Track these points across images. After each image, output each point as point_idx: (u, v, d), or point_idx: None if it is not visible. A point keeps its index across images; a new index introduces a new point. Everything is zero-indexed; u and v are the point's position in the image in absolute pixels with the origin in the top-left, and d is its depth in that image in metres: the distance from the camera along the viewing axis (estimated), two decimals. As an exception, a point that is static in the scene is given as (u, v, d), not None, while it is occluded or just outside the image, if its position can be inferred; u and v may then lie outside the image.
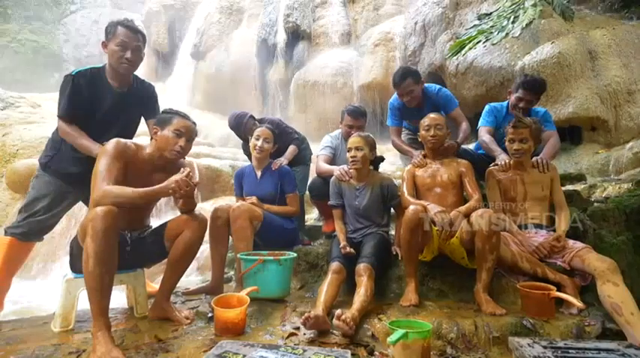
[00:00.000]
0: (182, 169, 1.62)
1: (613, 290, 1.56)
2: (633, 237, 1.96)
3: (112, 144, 1.62)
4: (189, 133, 1.76)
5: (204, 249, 2.57)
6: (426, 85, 2.67)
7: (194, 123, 1.83)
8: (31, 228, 1.91)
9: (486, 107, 2.77)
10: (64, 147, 1.96)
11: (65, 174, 1.94)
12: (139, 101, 2.09)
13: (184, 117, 1.80)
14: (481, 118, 2.72)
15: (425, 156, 2.32)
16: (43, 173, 1.98)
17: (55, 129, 2.01)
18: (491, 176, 2.21)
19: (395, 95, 2.77)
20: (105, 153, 1.59)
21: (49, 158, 1.97)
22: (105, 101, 1.96)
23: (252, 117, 2.87)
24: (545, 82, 2.71)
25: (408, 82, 2.52)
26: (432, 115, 2.26)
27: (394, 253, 2.15)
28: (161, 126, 1.74)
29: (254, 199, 2.34)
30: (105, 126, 1.94)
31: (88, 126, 1.91)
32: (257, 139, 2.44)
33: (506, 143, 2.15)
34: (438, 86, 2.74)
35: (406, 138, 2.92)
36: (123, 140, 1.67)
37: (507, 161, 2.18)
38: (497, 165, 2.24)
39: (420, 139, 2.35)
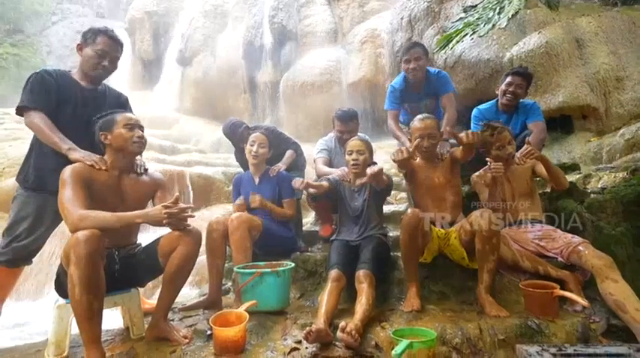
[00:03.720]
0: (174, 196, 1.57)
1: (613, 287, 1.55)
2: (632, 227, 1.95)
3: (67, 171, 1.58)
4: (138, 122, 1.77)
5: (200, 260, 2.54)
6: (427, 67, 2.78)
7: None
8: (16, 254, 1.84)
9: (474, 112, 2.80)
10: (35, 153, 1.89)
11: (42, 183, 1.85)
12: (112, 104, 2.01)
13: (124, 110, 1.82)
14: (473, 125, 2.75)
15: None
16: (22, 191, 1.90)
17: (29, 145, 1.94)
18: (477, 181, 2.24)
19: (396, 79, 2.88)
20: (64, 182, 1.55)
21: (25, 172, 1.90)
22: (73, 96, 1.90)
23: (247, 127, 2.81)
24: (532, 72, 2.82)
25: (418, 49, 2.70)
26: (423, 123, 2.11)
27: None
28: (108, 129, 1.71)
29: (257, 200, 2.29)
30: (80, 126, 1.87)
31: (62, 126, 1.84)
32: (252, 145, 2.41)
33: (495, 151, 2.16)
34: (437, 69, 2.88)
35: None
36: (77, 163, 1.64)
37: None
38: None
39: None
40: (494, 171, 1.99)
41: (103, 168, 1.68)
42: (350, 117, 2.70)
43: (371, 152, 2.25)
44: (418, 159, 2.22)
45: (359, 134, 2.73)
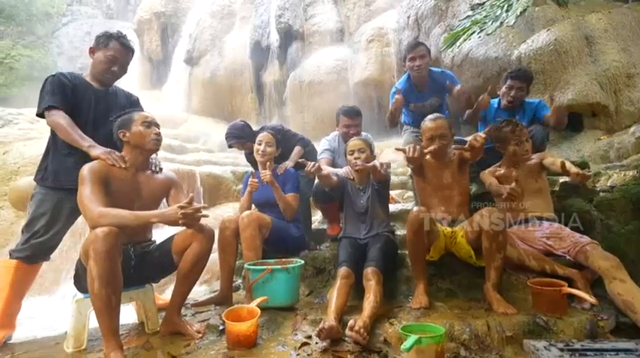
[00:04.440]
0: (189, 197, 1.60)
1: (621, 288, 1.56)
2: (641, 225, 1.94)
3: (85, 169, 1.64)
4: (154, 120, 1.83)
5: (210, 257, 2.58)
6: (430, 67, 2.79)
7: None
8: (35, 251, 1.90)
9: None
10: (52, 152, 1.96)
11: (59, 181, 1.92)
12: (123, 104, 2.07)
13: (141, 109, 1.90)
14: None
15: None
16: (39, 189, 1.96)
17: (46, 144, 2.01)
18: (487, 177, 2.23)
19: (400, 80, 2.90)
20: (83, 180, 1.60)
21: (43, 171, 1.96)
22: (87, 97, 1.98)
23: (237, 142, 2.82)
24: (531, 72, 2.86)
25: (422, 47, 2.73)
26: (433, 123, 2.12)
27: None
28: (126, 127, 1.77)
29: (268, 175, 2.28)
30: (93, 126, 1.95)
31: (79, 125, 1.91)
32: (259, 144, 2.45)
33: (512, 147, 2.17)
34: (441, 69, 2.92)
35: (412, 136, 2.93)
36: (95, 161, 1.70)
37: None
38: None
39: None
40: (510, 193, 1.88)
41: (124, 166, 1.74)
42: (356, 112, 2.75)
43: (372, 149, 2.27)
44: (428, 157, 2.23)
45: (361, 133, 2.76)
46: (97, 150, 1.78)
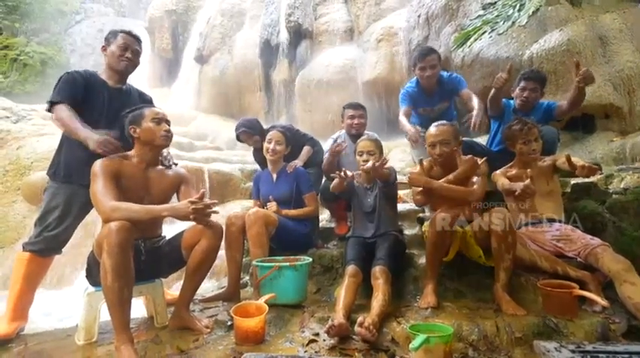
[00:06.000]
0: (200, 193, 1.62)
1: (632, 291, 1.54)
2: (655, 228, 1.91)
3: (97, 165, 1.67)
4: (165, 116, 1.85)
5: (220, 253, 2.60)
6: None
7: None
8: (48, 244, 1.93)
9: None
10: (64, 148, 1.99)
11: (71, 175, 1.95)
12: (137, 102, 2.11)
13: (152, 105, 1.93)
14: (492, 121, 2.75)
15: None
16: (52, 183, 2.00)
17: (59, 140, 2.04)
18: (499, 177, 2.21)
19: (409, 83, 2.92)
20: (95, 175, 1.63)
21: (55, 166, 2.00)
22: (101, 94, 2.02)
23: (244, 132, 2.90)
24: (545, 73, 2.85)
25: (433, 57, 2.73)
26: (437, 129, 2.07)
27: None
28: (136, 123, 1.78)
29: (274, 206, 2.36)
30: (106, 122, 1.99)
31: (89, 123, 1.93)
32: (269, 143, 2.47)
33: (521, 146, 2.15)
34: (448, 72, 2.92)
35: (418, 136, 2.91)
36: (106, 157, 1.72)
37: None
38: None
39: None
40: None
41: (119, 153, 1.77)
42: (359, 104, 2.84)
43: (381, 151, 2.28)
44: (434, 168, 2.17)
45: (367, 133, 2.76)
46: (93, 144, 1.78)
